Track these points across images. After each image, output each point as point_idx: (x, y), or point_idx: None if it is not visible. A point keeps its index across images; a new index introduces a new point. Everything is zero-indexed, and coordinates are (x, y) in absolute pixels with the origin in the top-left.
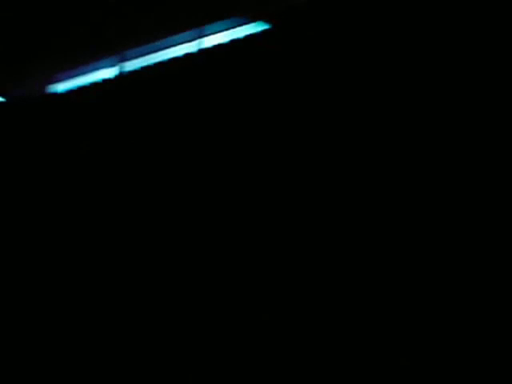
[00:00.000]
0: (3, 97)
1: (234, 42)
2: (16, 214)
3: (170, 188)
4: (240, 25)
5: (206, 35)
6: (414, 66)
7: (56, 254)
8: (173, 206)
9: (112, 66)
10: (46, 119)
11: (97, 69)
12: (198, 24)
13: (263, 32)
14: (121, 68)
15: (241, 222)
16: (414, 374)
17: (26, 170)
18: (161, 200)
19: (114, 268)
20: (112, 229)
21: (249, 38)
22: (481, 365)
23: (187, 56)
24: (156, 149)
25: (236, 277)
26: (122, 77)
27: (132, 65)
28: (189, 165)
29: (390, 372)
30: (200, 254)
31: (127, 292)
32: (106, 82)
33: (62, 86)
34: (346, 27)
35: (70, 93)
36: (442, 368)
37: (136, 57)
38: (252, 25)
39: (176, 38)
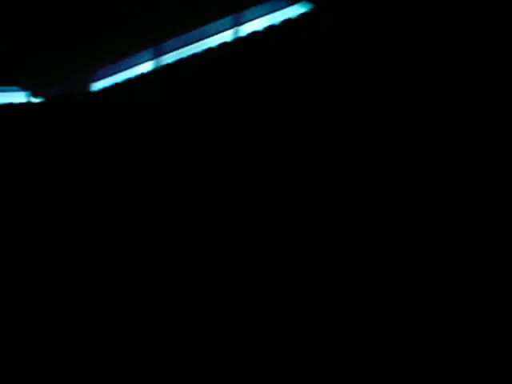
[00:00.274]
0: (41, 97)
1: (273, 27)
2: (61, 214)
3: (218, 181)
4: (281, 8)
5: (244, 22)
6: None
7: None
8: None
9: (150, 59)
10: (85, 119)
11: (135, 64)
12: (235, 10)
13: (305, 14)
14: (158, 61)
15: (248, 221)
16: (414, 373)
17: (69, 171)
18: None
19: (123, 266)
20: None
21: (289, 22)
22: (481, 365)
23: (224, 45)
24: (201, 143)
25: (235, 277)
26: (159, 70)
27: (170, 57)
28: (237, 157)
29: (389, 372)
30: (200, 253)
31: (127, 292)
32: (143, 76)
33: (100, 84)
34: (399, 7)
35: (108, 90)
36: (442, 368)
37: (173, 49)
38: (294, 7)
39: (213, 26)
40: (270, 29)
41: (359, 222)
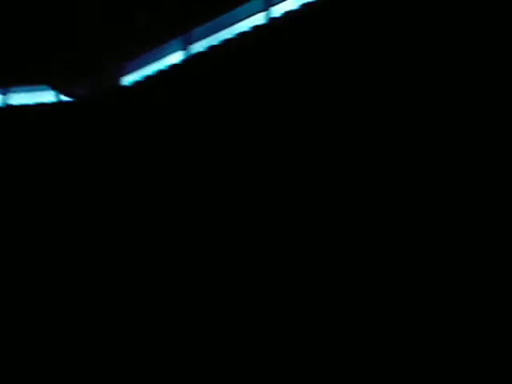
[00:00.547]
0: (72, 95)
1: (306, 6)
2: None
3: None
4: None
5: (276, 3)
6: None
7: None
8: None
9: (179, 49)
10: (116, 115)
11: (164, 55)
12: None
13: None
14: (188, 50)
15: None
16: (414, 373)
17: (103, 169)
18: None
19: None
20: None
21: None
22: (481, 364)
23: (256, 29)
24: (246, 135)
25: (235, 277)
26: (189, 60)
27: (200, 45)
28: (283, 151)
29: (389, 372)
30: (201, 253)
31: (127, 292)
32: (173, 68)
33: (130, 78)
34: None
35: (138, 84)
36: (442, 368)
37: (203, 36)
38: None
39: (243, 9)
40: (305, 7)
41: (358, 220)
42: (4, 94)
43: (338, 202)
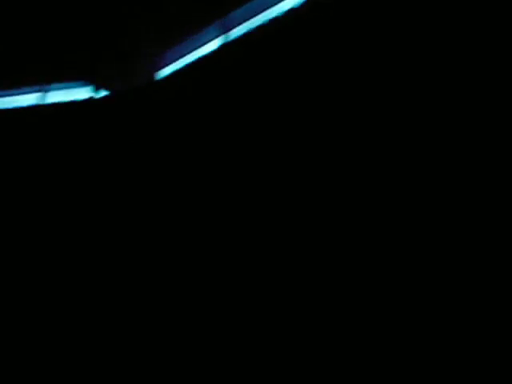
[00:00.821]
0: (107, 89)
1: None
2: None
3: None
4: None
5: None
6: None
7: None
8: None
9: (216, 36)
10: (152, 110)
11: (201, 44)
12: None
13: None
14: (225, 38)
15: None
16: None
17: (139, 168)
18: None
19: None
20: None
21: None
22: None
23: (294, 10)
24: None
25: (235, 277)
26: (225, 47)
27: (237, 31)
28: (324, 151)
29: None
30: (201, 255)
31: (127, 292)
32: (209, 57)
33: (166, 70)
34: None
35: (174, 76)
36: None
37: (241, 22)
38: None
39: None
40: None
41: (359, 222)
42: (41, 91)
43: (343, 202)
